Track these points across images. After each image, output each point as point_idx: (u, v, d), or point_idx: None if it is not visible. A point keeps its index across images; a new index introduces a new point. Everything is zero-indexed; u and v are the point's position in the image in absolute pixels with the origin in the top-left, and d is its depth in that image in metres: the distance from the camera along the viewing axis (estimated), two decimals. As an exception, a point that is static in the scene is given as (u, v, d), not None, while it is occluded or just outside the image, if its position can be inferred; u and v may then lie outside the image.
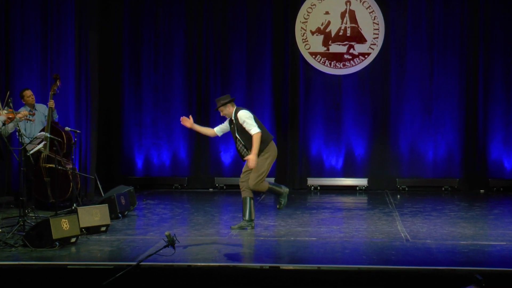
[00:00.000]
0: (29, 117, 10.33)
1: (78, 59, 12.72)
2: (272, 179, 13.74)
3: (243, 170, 9.48)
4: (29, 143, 10.35)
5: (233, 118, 9.44)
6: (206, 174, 14.40)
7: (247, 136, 9.33)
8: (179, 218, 10.90)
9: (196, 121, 14.22)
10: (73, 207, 10.46)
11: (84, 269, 7.33)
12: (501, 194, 13.52)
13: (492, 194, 13.55)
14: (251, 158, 9.20)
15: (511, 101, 13.96)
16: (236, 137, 9.44)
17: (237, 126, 9.39)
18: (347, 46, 14.07)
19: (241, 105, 14.33)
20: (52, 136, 10.79)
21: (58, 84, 11.45)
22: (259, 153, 9.30)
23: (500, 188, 13.80)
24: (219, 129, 9.73)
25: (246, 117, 9.33)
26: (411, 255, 8.02)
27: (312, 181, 14.13)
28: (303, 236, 9.12)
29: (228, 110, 9.49)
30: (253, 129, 9.26)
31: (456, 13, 13.97)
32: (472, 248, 8.35)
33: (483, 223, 10.25)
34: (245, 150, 9.40)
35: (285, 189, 9.63)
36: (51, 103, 11.32)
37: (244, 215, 9.47)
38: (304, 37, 14.13)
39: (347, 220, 10.66)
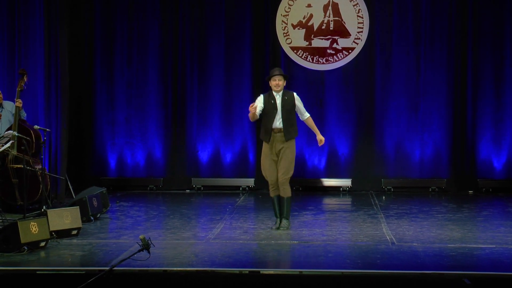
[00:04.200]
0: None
1: (47, 53, 12.65)
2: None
3: (268, 166, 9.82)
4: (-5, 142, 10.32)
5: (281, 94, 9.91)
6: (183, 175, 14.37)
7: (290, 117, 9.86)
8: (154, 221, 10.90)
9: (171, 118, 14.45)
10: (42, 210, 10.41)
11: (54, 275, 7.32)
12: (491, 195, 13.60)
13: (481, 195, 13.62)
14: (322, 138, 10.10)
15: (501, 97, 14.02)
16: (276, 114, 9.85)
17: (284, 103, 9.87)
18: (330, 40, 14.11)
19: (219, 102, 14.53)
20: (20, 135, 10.75)
21: (26, 80, 11.40)
22: (290, 140, 9.82)
23: (490, 189, 13.88)
24: (258, 111, 10.11)
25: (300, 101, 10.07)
26: (396, 259, 8.08)
27: (294, 182, 14.11)
28: (284, 240, 9.16)
29: (283, 84, 10.01)
30: (307, 114, 10.09)
31: (444, 6, 14.02)
32: (460, 251, 8.42)
33: (471, 225, 10.33)
34: (280, 129, 9.80)
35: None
36: (18, 102, 11.26)
37: (282, 214, 9.89)
38: (286, 31, 14.16)
39: (330, 223, 10.71)
